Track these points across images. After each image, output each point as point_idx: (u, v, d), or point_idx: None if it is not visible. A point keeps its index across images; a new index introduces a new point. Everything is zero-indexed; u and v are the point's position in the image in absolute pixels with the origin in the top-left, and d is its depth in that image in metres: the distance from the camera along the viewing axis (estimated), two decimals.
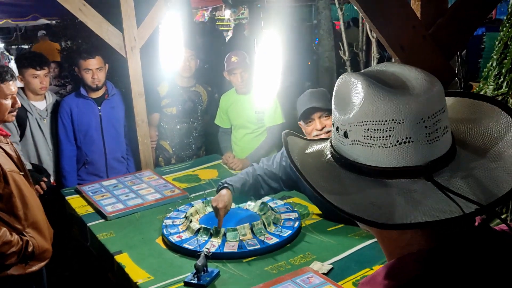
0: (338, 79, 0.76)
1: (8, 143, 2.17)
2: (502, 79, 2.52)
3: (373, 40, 3.46)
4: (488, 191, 0.67)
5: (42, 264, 2.17)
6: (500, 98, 2.51)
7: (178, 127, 3.51)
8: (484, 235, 0.71)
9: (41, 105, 3.21)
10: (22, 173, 2.14)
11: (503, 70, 2.48)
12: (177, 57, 3.37)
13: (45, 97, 3.24)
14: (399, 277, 0.68)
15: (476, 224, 0.71)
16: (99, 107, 3.25)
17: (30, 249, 2.05)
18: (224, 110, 3.46)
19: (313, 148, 0.83)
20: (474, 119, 0.78)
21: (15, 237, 2.01)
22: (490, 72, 2.60)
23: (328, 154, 0.78)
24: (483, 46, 7.48)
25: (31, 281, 2.17)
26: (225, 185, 2.28)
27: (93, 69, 3.14)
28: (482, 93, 2.61)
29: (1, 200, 2.00)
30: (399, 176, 0.69)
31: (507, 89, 2.50)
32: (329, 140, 0.81)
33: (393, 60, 1.33)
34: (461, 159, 0.72)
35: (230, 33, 10.53)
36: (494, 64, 2.57)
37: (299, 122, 2.36)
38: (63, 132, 3.19)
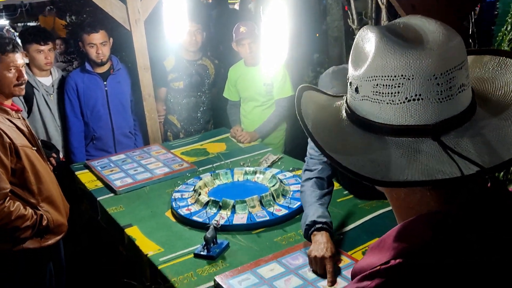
0: (359, 32, 0.74)
1: (19, 118, 2.16)
2: None
3: (383, 7, 3.35)
4: (496, 153, 0.64)
5: (58, 237, 2.19)
6: None
7: (185, 101, 3.48)
8: (497, 199, 0.68)
9: (47, 81, 3.20)
10: (35, 148, 2.14)
11: None
12: (183, 31, 3.31)
13: (50, 73, 3.22)
14: (409, 240, 0.66)
15: (489, 185, 0.68)
16: (105, 82, 3.22)
17: (44, 223, 2.07)
18: (232, 83, 3.41)
19: (336, 104, 0.81)
20: (505, 80, 0.74)
21: (29, 211, 2.02)
22: (504, 36, 2.51)
23: (343, 110, 0.77)
24: (496, 12, 7.25)
25: (48, 254, 2.20)
26: (317, 226, 1.76)
27: (97, 44, 3.10)
28: None
29: (14, 175, 2.01)
30: (405, 134, 0.66)
31: None
32: (345, 96, 0.79)
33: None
34: (477, 120, 0.68)
35: (236, 6, 10.34)
36: (509, 28, 2.47)
37: None
38: (69, 108, 3.18)
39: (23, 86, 2.16)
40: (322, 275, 1.65)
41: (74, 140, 3.21)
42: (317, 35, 6.60)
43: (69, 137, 3.21)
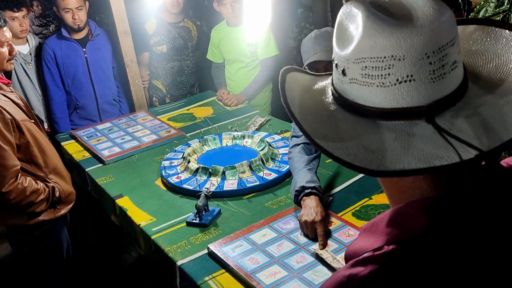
0: (342, 8, 0.69)
1: (12, 92, 2.11)
2: None
3: None
4: (494, 133, 0.61)
5: (69, 206, 2.20)
6: (501, 16, 2.40)
7: (169, 65, 3.40)
8: (493, 179, 0.66)
9: (24, 49, 3.09)
10: (33, 121, 2.10)
11: None
12: None
13: (27, 41, 3.11)
14: (403, 227, 0.65)
15: (484, 163, 0.66)
16: (84, 49, 3.13)
17: (57, 194, 2.08)
18: (215, 44, 3.33)
19: (319, 84, 0.77)
20: (495, 50, 0.70)
21: (41, 184, 2.02)
22: None
23: (329, 92, 0.74)
24: None
25: (62, 224, 2.22)
26: (307, 191, 1.78)
27: (73, 9, 2.98)
28: (482, 11, 2.48)
29: (19, 150, 1.99)
30: (397, 117, 0.63)
31: (509, 5, 2.38)
32: (331, 77, 0.75)
33: None
34: (470, 97, 0.65)
35: None
36: None
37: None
38: (49, 77, 3.09)
39: (13, 60, 2.11)
40: (314, 239, 1.70)
41: (57, 110, 3.15)
42: None
43: (52, 107, 3.15)
